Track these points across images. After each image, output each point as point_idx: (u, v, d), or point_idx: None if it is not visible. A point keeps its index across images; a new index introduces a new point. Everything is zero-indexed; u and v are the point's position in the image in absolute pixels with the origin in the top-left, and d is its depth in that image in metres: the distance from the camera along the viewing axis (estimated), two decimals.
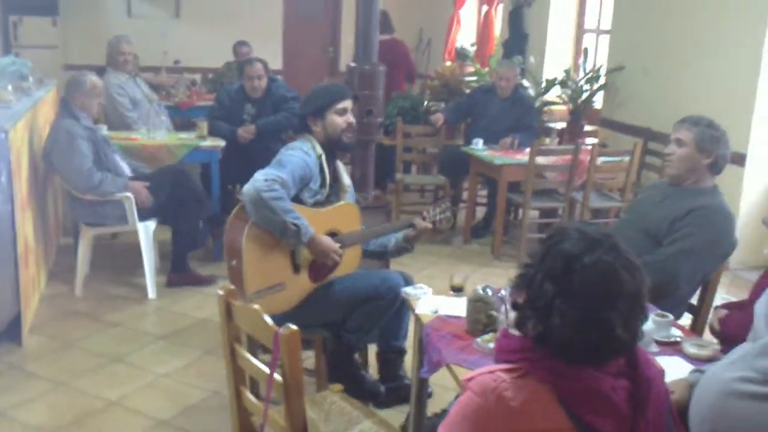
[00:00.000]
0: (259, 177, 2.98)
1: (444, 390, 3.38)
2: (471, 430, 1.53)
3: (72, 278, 4.64)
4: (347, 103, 3.27)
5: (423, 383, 2.83)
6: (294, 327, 2.03)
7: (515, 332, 1.65)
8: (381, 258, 3.47)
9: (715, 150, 2.97)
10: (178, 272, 4.78)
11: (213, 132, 5.52)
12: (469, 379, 1.59)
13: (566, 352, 1.53)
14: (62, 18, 9.10)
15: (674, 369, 2.21)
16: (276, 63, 9.46)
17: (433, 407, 3.12)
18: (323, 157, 3.23)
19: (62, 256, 5.17)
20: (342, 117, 3.25)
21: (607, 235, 1.58)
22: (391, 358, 3.38)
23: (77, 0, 9.30)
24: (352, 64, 4.55)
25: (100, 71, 5.84)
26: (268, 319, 2.11)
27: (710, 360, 2.31)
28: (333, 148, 3.30)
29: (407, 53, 8.00)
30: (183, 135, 5.60)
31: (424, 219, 3.30)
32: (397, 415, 3.20)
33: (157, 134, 5.41)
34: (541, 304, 1.54)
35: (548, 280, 1.54)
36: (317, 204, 3.22)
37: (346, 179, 3.42)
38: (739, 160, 5.29)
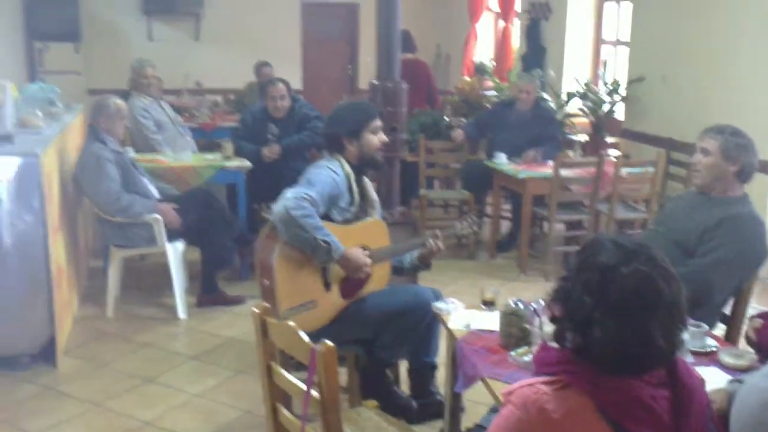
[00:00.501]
0: (289, 195, 3.01)
1: (476, 405, 3.36)
2: None
3: (103, 300, 4.70)
4: (379, 122, 3.32)
5: (457, 398, 2.83)
6: (330, 343, 2.05)
7: (554, 344, 1.66)
8: (398, 274, 3.48)
9: (742, 158, 2.96)
10: (207, 292, 4.82)
11: (237, 152, 5.57)
12: (509, 393, 1.59)
13: (607, 364, 1.53)
14: (85, 44, 9.27)
15: (711, 379, 2.19)
16: (296, 83, 9.55)
17: (466, 422, 3.12)
18: (351, 176, 3.26)
19: (93, 279, 5.23)
20: (376, 135, 3.30)
21: (642, 245, 1.58)
22: (423, 373, 3.38)
23: (99, 26, 9.47)
24: (375, 82, 4.60)
25: (124, 95, 5.94)
26: (304, 336, 2.13)
27: (747, 370, 2.30)
28: (365, 166, 3.33)
29: (429, 74, 7.99)
30: (209, 156, 5.66)
31: (437, 237, 3.31)
32: (431, 430, 3.20)
33: (183, 156, 5.48)
34: (580, 317, 1.54)
35: (586, 292, 1.54)
36: (346, 221, 3.24)
37: (374, 195, 3.45)
38: (765, 167, 5.25)
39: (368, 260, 3.14)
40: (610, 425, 1.51)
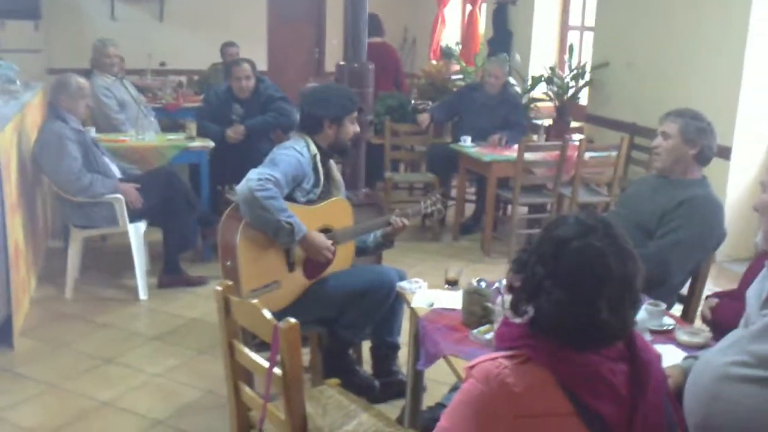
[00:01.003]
0: (253, 176, 2.98)
1: (437, 385, 3.39)
2: (474, 416, 1.54)
3: (62, 281, 4.62)
4: (356, 113, 3.33)
5: (419, 376, 2.84)
6: (293, 320, 2.04)
7: (515, 320, 1.67)
8: (361, 254, 3.48)
9: (701, 141, 3.01)
10: (169, 273, 4.76)
11: (201, 133, 5.50)
12: (471, 367, 1.61)
13: (555, 335, 1.56)
14: (45, 22, 9.04)
15: (668, 356, 2.23)
16: (261, 64, 9.45)
17: (427, 401, 3.13)
18: (318, 157, 3.24)
19: (51, 260, 5.14)
20: (353, 125, 3.30)
21: (604, 222, 1.60)
22: (385, 353, 3.39)
23: (60, 4, 9.24)
24: (342, 63, 4.57)
25: (86, 74, 5.82)
26: (267, 314, 2.12)
27: (703, 347, 2.35)
28: (335, 151, 3.32)
29: (397, 58, 7.99)
30: (172, 136, 5.59)
31: (400, 214, 3.31)
32: (392, 409, 3.21)
33: (146, 136, 5.40)
34: (531, 286, 1.58)
35: (540, 263, 1.58)
36: (309, 202, 3.22)
37: (339, 177, 3.44)
38: (725, 152, 5.35)
39: (330, 245, 3.13)
40: (569, 399, 1.53)
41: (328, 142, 3.28)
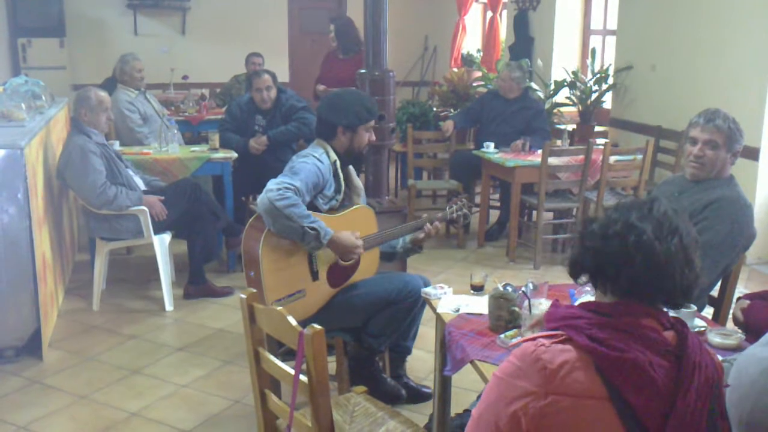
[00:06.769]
0: (272, 186, 2.95)
1: (464, 392, 3.37)
2: (507, 390, 1.54)
3: (89, 293, 4.66)
4: (374, 121, 3.31)
5: (446, 382, 2.82)
6: (318, 327, 2.03)
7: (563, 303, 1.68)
8: (390, 260, 3.46)
9: (739, 143, 2.94)
10: (195, 284, 4.78)
11: (224, 144, 5.53)
12: (513, 347, 1.60)
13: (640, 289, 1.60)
14: (69, 39, 9.17)
15: None
16: (283, 76, 9.51)
17: (454, 408, 3.10)
18: (338, 163, 3.23)
19: (78, 272, 5.19)
20: (368, 133, 3.28)
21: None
22: (398, 356, 3.39)
23: (84, 21, 9.39)
24: (362, 71, 4.56)
25: (109, 85, 5.89)
26: (292, 320, 2.11)
27: (735, 349, 2.30)
28: (349, 158, 3.31)
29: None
30: (195, 148, 5.62)
31: (433, 220, 3.30)
32: (420, 417, 3.18)
33: (169, 148, 5.43)
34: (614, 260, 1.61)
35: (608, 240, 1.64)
36: (332, 210, 3.21)
37: (359, 182, 3.43)
38: (753, 153, 5.27)
39: (359, 241, 3.11)
40: (604, 383, 1.50)
41: (343, 148, 3.26)
